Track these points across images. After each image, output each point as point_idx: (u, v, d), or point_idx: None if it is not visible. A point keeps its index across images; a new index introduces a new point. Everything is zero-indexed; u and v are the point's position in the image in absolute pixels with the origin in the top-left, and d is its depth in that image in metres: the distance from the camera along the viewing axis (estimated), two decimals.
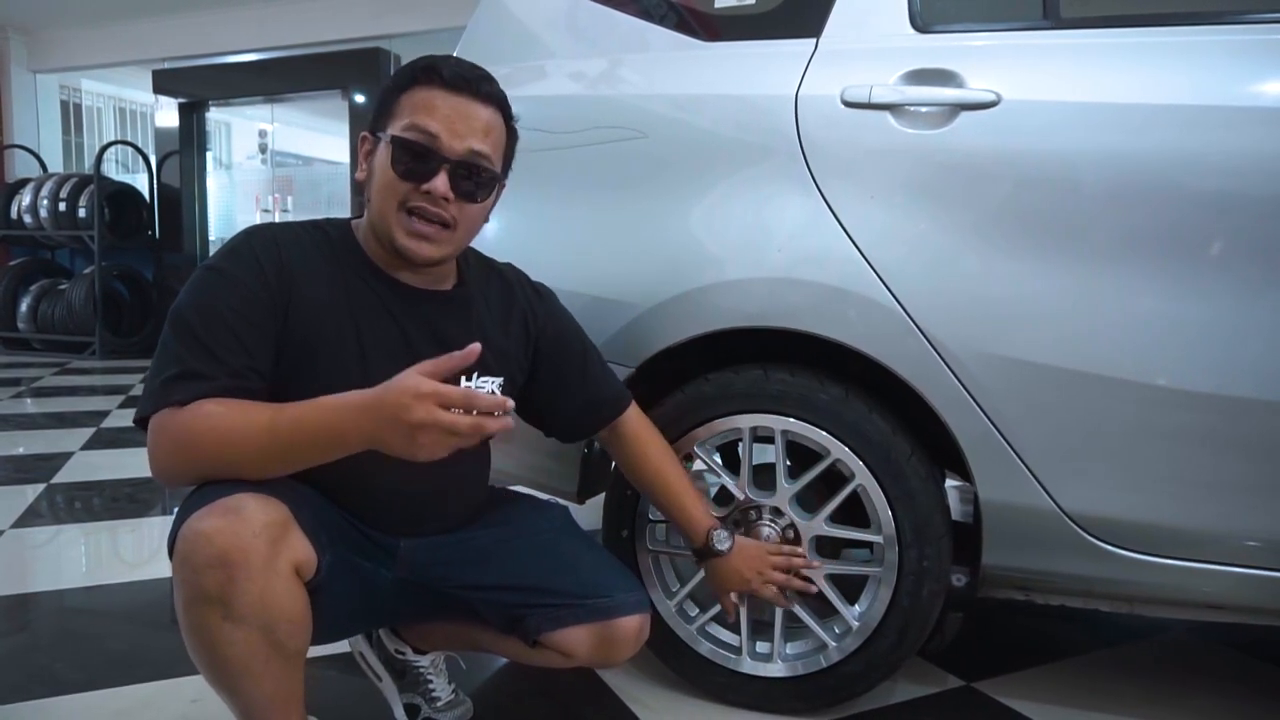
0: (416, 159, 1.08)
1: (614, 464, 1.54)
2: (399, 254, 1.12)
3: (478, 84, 1.11)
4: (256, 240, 1.09)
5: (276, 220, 6.45)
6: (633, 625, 1.21)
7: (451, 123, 1.08)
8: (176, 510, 1.00)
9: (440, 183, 1.08)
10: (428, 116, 1.08)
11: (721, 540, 1.34)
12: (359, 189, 1.15)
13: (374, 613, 1.26)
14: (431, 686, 1.35)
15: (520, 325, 1.29)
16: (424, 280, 1.18)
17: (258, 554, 0.93)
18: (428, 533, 1.22)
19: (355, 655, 1.40)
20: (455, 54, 1.68)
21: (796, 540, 1.41)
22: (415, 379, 0.93)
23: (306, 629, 1.01)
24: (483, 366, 1.22)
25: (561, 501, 1.44)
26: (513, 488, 1.48)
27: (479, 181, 1.12)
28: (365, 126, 1.16)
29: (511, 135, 1.19)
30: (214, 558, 0.92)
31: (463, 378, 1.20)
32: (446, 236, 1.12)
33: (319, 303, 1.09)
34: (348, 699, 1.47)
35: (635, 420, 1.37)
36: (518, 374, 1.29)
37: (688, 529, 1.35)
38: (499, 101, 1.14)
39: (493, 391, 1.23)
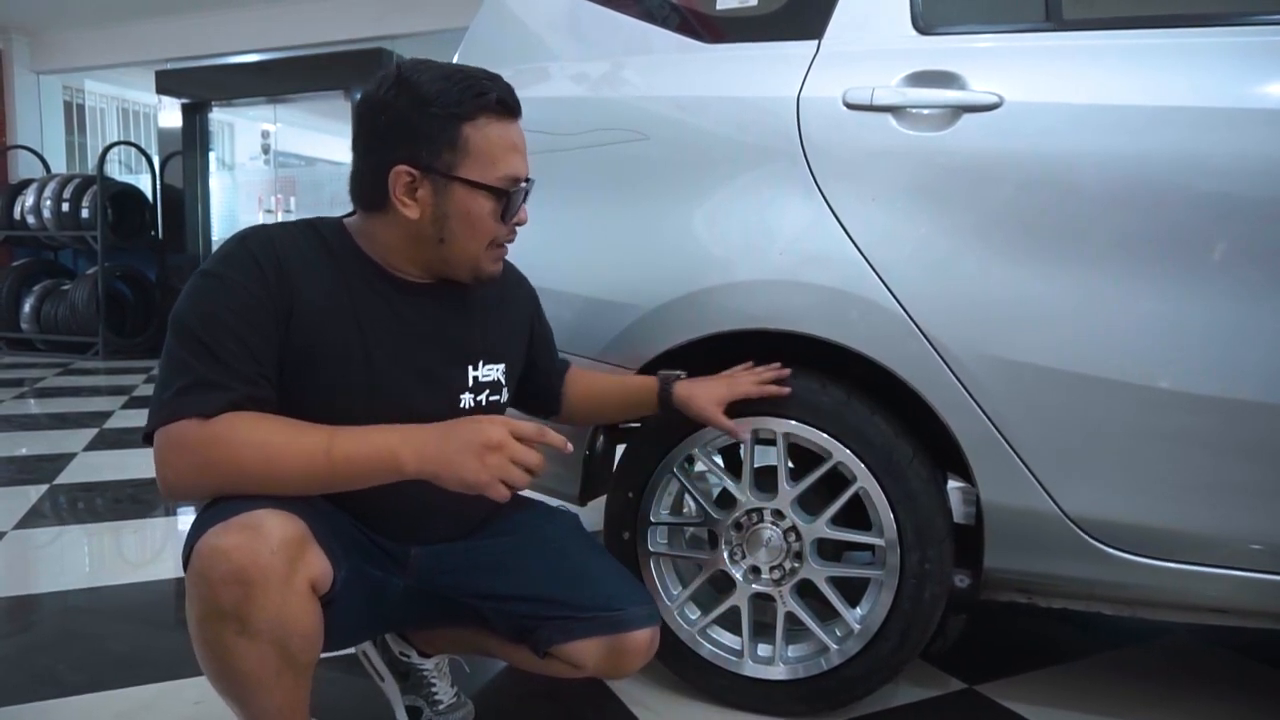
0: (514, 201, 1.13)
1: (614, 465, 1.55)
2: (479, 279, 1.17)
3: (520, 104, 1.14)
4: (252, 243, 1.07)
5: (279, 221, 6.46)
6: (643, 638, 1.21)
7: (522, 153, 1.13)
8: (191, 524, 0.99)
9: (524, 213, 1.16)
10: (510, 154, 1.11)
11: (670, 375, 1.39)
12: (370, 205, 1.13)
13: (383, 620, 1.26)
14: (434, 689, 1.35)
15: (517, 310, 1.32)
16: (425, 273, 1.18)
17: (275, 571, 0.92)
18: (438, 540, 1.22)
19: (359, 655, 1.40)
20: (457, 56, 1.68)
21: (799, 543, 1.41)
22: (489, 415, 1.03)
23: (318, 643, 1.00)
24: (487, 354, 1.23)
25: (569, 507, 1.44)
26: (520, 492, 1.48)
27: (529, 193, 1.17)
28: (398, 155, 1.07)
29: None
30: (231, 574, 0.91)
31: (469, 366, 1.20)
32: None
33: (321, 303, 1.08)
34: (349, 700, 1.47)
35: (569, 374, 1.46)
36: (517, 359, 1.31)
37: (641, 388, 1.39)
38: None
39: (498, 380, 1.24)
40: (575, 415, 1.46)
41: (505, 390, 1.26)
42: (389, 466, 0.99)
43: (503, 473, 0.98)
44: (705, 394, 1.34)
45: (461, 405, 1.19)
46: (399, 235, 1.13)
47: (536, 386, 1.41)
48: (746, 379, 1.37)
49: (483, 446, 0.97)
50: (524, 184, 1.14)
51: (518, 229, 1.18)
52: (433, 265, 1.16)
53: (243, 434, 0.96)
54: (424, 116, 1.07)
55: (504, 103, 1.10)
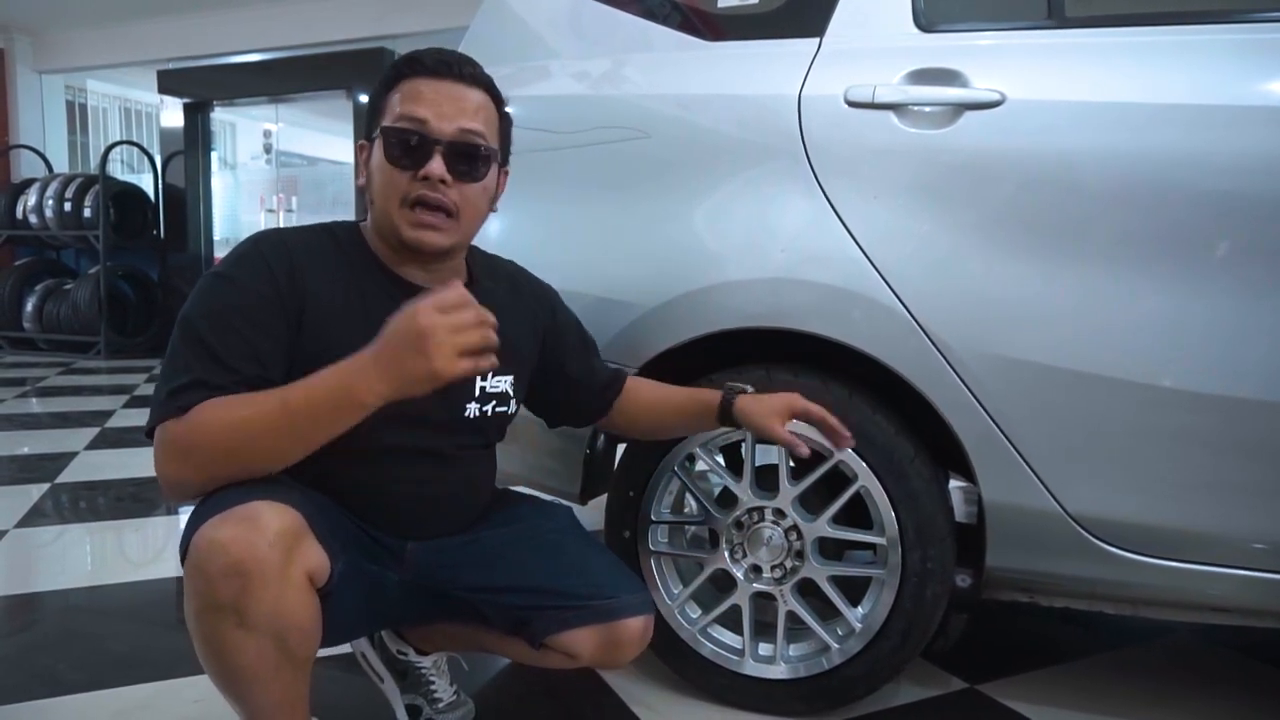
0: (408, 146, 1.07)
1: (615, 463, 1.54)
2: (408, 248, 1.10)
3: (460, 67, 1.10)
4: (265, 245, 1.08)
5: (281, 220, 6.48)
6: (637, 626, 1.21)
7: (438, 105, 1.08)
8: (188, 517, 0.99)
9: (436, 165, 1.07)
10: (414, 104, 1.08)
11: (735, 387, 1.31)
12: (363, 195, 1.15)
13: (380, 615, 1.26)
14: (433, 687, 1.35)
15: (529, 321, 1.29)
16: (435, 279, 1.16)
17: (272, 564, 0.92)
18: (434, 535, 1.22)
19: (357, 656, 1.39)
20: None
21: (800, 542, 1.40)
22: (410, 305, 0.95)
23: (317, 636, 1.00)
24: (496, 366, 1.22)
25: (564, 502, 1.43)
26: (516, 489, 1.47)
27: (475, 159, 1.10)
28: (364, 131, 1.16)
29: (505, 119, 1.18)
30: (228, 567, 0.91)
31: (477, 379, 1.20)
32: (452, 224, 1.11)
33: (333, 307, 1.08)
34: (349, 699, 1.47)
35: (635, 383, 1.40)
36: (527, 370, 1.29)
37: (704, 401, 1.32)
38: (485, 84, 1.13)
39: (505, 391, 1.23)
40: (636, 426, 1.41)
41: (513, 401, 1.26)
42: (347, 400, 0.95)
43: (449, 348, 0.93)
44: (765, 406, 1.28)
45: (466, 414, 1.19)
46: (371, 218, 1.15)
47: (578, 397, 1.37)
48: (811, 403, 1.29)
49: (418, 338, 0.93)
50: (412, 124, 1.07)
51: (441, 189, 1.08)
52: (391, 242, 1.13)
53: (214, 414, 0.97)
54: (373, 95, 1.13)
55: (414, 60, 1.09)
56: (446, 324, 0.93)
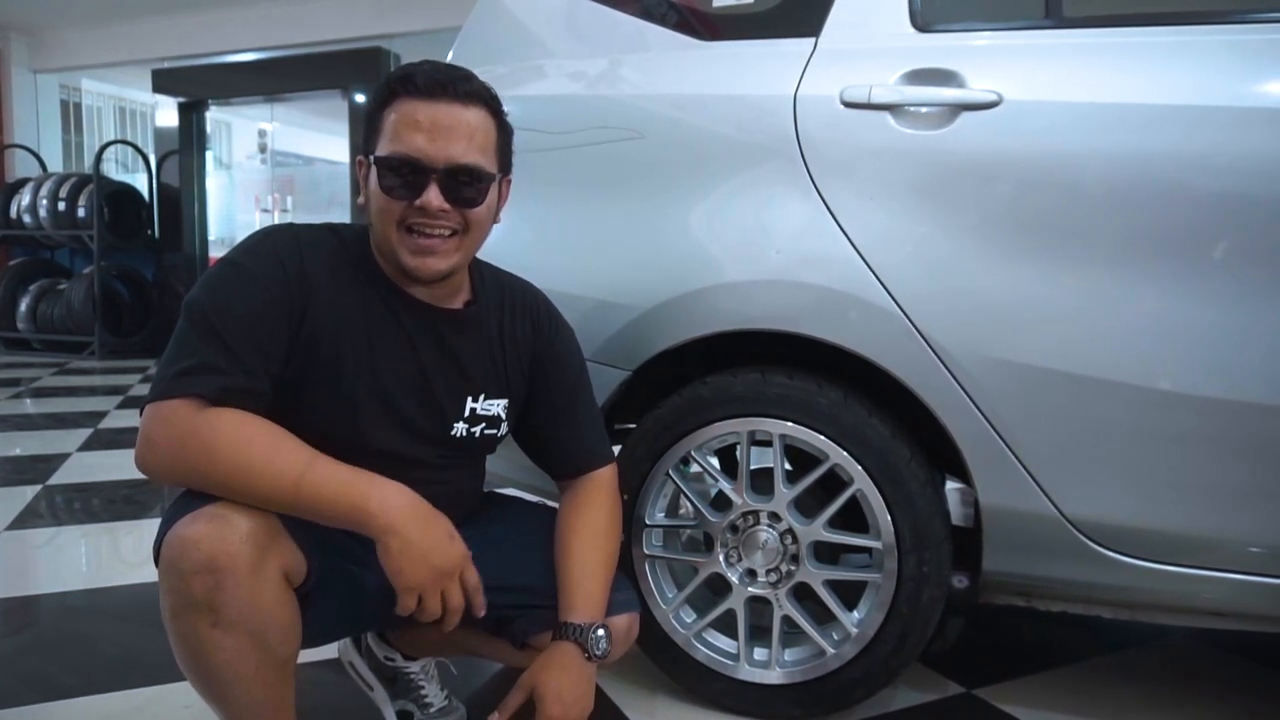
0: (402, 177, 1.04)
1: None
2: (407, 274, 1.08)
3: (454, 85, 1.05)
4: (278, 240, 1.07)
5: (276, 220, 6.46)
6: (620, 625, 1.20)
7: (432, 133, 1.03)
8: (162, 519, 0.99)
9: (432, 196, 1.04)
10: (408, 130, 1.03)
11: (598, 644, 1.14)
12: (364, 211, 1.13)
13: (362, 617, 1.24)
14: (423, 692, 1.34)
15: (526, 335, 1.24)
16: (435, 296, 1.15)
17: (245, 559, 0.92)
18: None
19: (345, 666, 1.38)
20: (451, 54, 1.67)
21: (796, 546, 1.39)
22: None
23: (296, 634, 1.00)
24: (490, 388, 1.20)
25: (551, 503, 1.42)
26: (505, 490, 1.46)
27: (473, 185, 1.07)
28: (360, 143, 1.13)
29: (505, 130, 1.13)
30: (201, 563, 0.91)
31: (468, 397, 1.18)
32: (454, 244, 1.08)
33: (335, 311, 1.07)
34: (339, 705, 1.45)
35: (594, 488, 1.26)
36: (518, 394, 1.26)
37: (566, 603, 1.16)
38: (483, 98, 1.08)
39: (498, 415, 1.21)
40: (559, 509, 1.28)
41: (504, 424, 1.23)
42: (356, 517, 0.97)
43: (432, 593, 1.01)
44: (541, 671, 1.12)
45: (453, 433, 1.18)
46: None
47: (545, 440, 1.28)
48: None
49: (444, 562, 1.01)
50: (405, 153, 1.03)
51: (441, 216, 1.05)
52: (392, 265, 1.10)
53: (226, 430, 0.96)
54: (369, 111, 1.10)
55: (406, 79, 1.04)
56: (452, 595, 1.03)
